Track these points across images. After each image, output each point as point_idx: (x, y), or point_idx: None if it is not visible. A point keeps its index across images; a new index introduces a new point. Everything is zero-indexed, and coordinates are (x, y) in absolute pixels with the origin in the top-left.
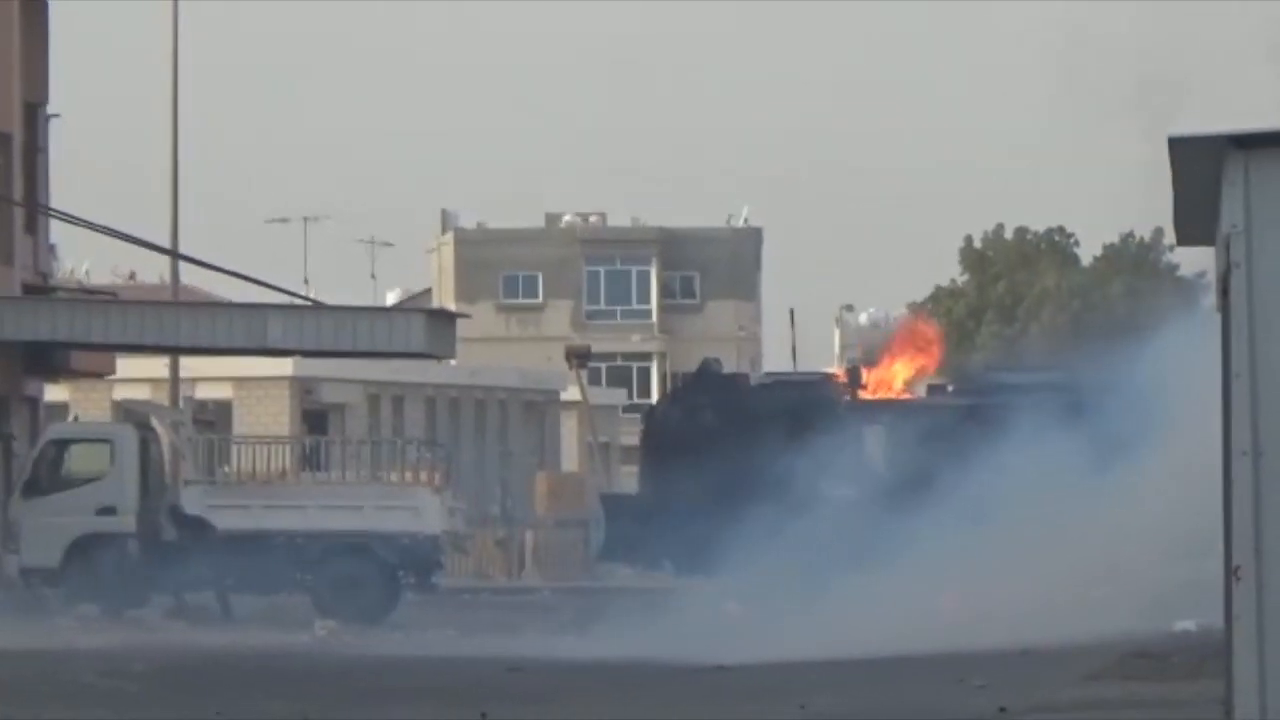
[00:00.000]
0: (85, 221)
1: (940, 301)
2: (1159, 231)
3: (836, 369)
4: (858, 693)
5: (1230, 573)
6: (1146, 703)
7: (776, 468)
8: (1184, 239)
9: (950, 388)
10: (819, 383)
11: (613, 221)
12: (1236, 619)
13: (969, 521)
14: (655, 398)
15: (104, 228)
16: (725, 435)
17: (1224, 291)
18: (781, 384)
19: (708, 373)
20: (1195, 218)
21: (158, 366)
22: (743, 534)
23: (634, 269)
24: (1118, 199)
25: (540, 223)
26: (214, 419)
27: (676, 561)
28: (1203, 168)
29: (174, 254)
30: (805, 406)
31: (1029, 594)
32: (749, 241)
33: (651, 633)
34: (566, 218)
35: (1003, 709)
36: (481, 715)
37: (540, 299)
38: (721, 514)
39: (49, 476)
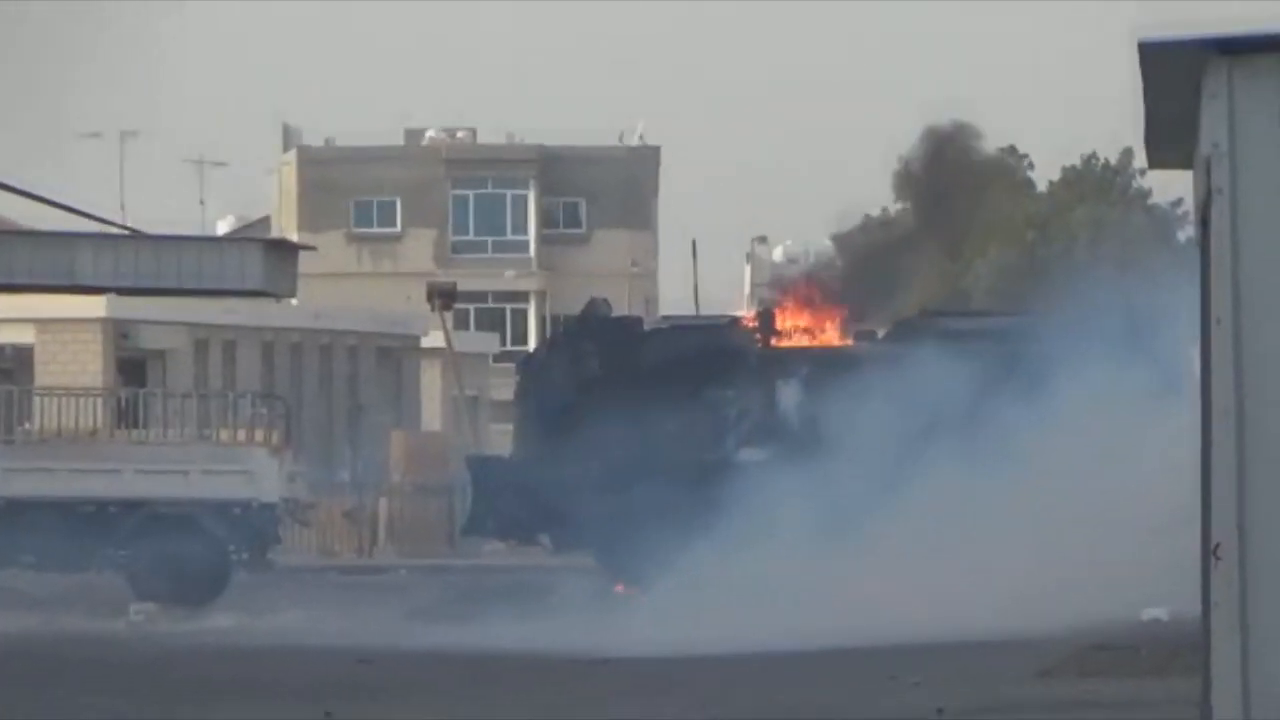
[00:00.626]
0: None
1: (870, 233)
2: (1128, 153)
3: (746, 312)
4: (768, 691)
5: (1208, 552)
6: (1107, 702)
7: (674, 427)
8: (1157, 161)
9: (881, 334)
10: (725, 328)
11: (484, 138)
12: (1215, 606)
13: (901, 493)
14: (533, 344)
15: None
16: (614, 389)
17: (1203, 222)
18: (681, 329)
19: (595, 315)
20: (1170, 137)
21: None
22: (634, 505)
23: (508, 194)
24: (1077, 113)
25: (399, 140)
26: (12, 367)
27: (555, 536)
28: (1179, 78)
29: None
30: (709, 356)
31: (971, 577)
32: (644, 162)
33: (525, 619)
34: (430, 134)
35: (940, 710)
36: (325, 715)
37: (398, 228)
38: (608, 481)
39: None
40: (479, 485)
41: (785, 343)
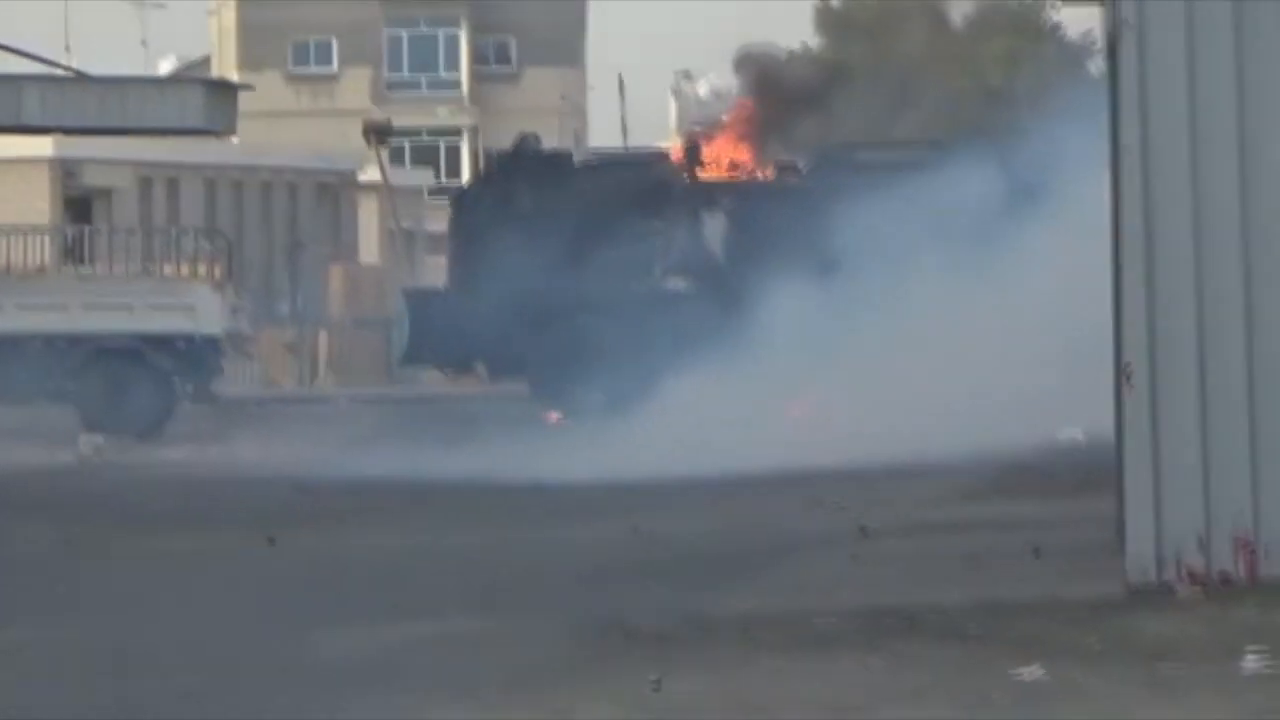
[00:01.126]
0: None
1: (792, 69)
2: None
3: (673, 145)
4: (696, 513)
5: (1120, 373)
6: (1026, 522)
7: (603, 258)
8: None
9: (802, 167)
10: (652, 161)
11: None
12: (1128, 426)
13: (821, 323)
14: (466, 178)
15: None
16: (545, 221)
17: (1111, 55)
18: (609, 163)
19: (525, 150)
20: None
21: None
22: (565, 334)
23: (440, 32)
24: None
25: None
26: None
27: (491, 364)
28: None
29: None
30: (636, 188)
31: (891, 403)
32: (572, 0)
33: (461, 446)
34: None
35: (864, 530)
36: (268, 540)
37: (334, 67)
38: (541, 311)
39: None
40: (415, 317)
41: (710, 176)
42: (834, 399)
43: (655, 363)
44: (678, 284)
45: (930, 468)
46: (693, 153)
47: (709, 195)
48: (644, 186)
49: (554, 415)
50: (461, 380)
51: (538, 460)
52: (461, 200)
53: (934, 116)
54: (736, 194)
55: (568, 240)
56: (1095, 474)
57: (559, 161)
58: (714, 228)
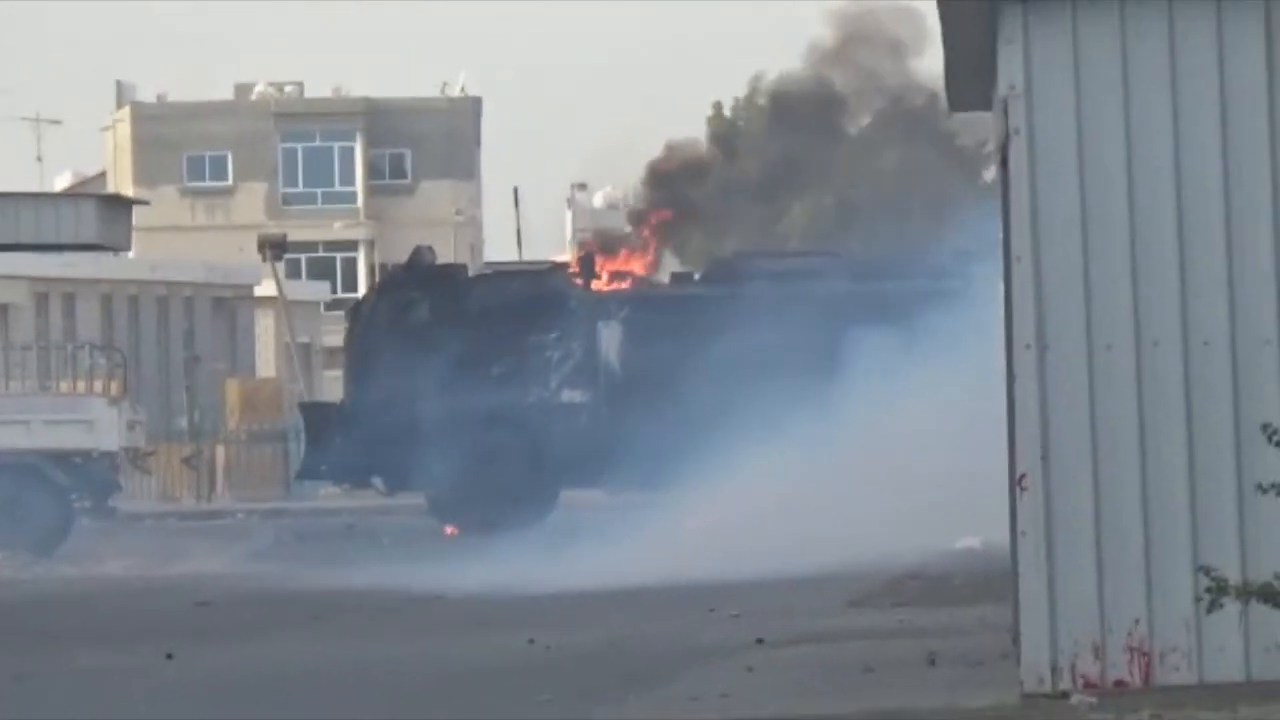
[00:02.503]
0: None
1: (685, 179)
2: (933, 96)
3: (569, 256)
4: (594, 624)
5: (1014, 482)
6: (921, 630)
7: (499, 370)
8: (958, 103)
9: (697, 276)
10: (547, 273)
11: (311, 92)
12: (1022, 534)
13: (717, 432)
14: (362, 292)
15: None
16: (441, 334)
17: (1003, 162)
18: (504, 274)
19: (420, 263)
20: (970, 78)
21: None
22: (461, 446)
23: (336, 145)
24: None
25: (229, 95)
26: None
27: (388, 478)
28: (977, 22)
29: None
30: (531, 300)
31: (787, 513)
32: (466, 113)
33: (361, 558)
34: (259, 88)
35: (760, 640)
36: (167, 656)
37: (230, 181)
38: (437, 423)
39: None
40: (312, 430)
41: (605, 286)
42: (732, 508)
43: (552, 475)
44: (574, 395)
45: (827, 576)
46: (588, 263)
47: (605, 306)
48: (539, 298)
49: (450, 529)
50: (359, 494)
51: (436, 573)
52: (358, 313)
53: (829, 224)
54: (632, 304)
55: (464, 353)
56: (992, 582)
57: (454, 274)
58: (610, 338)
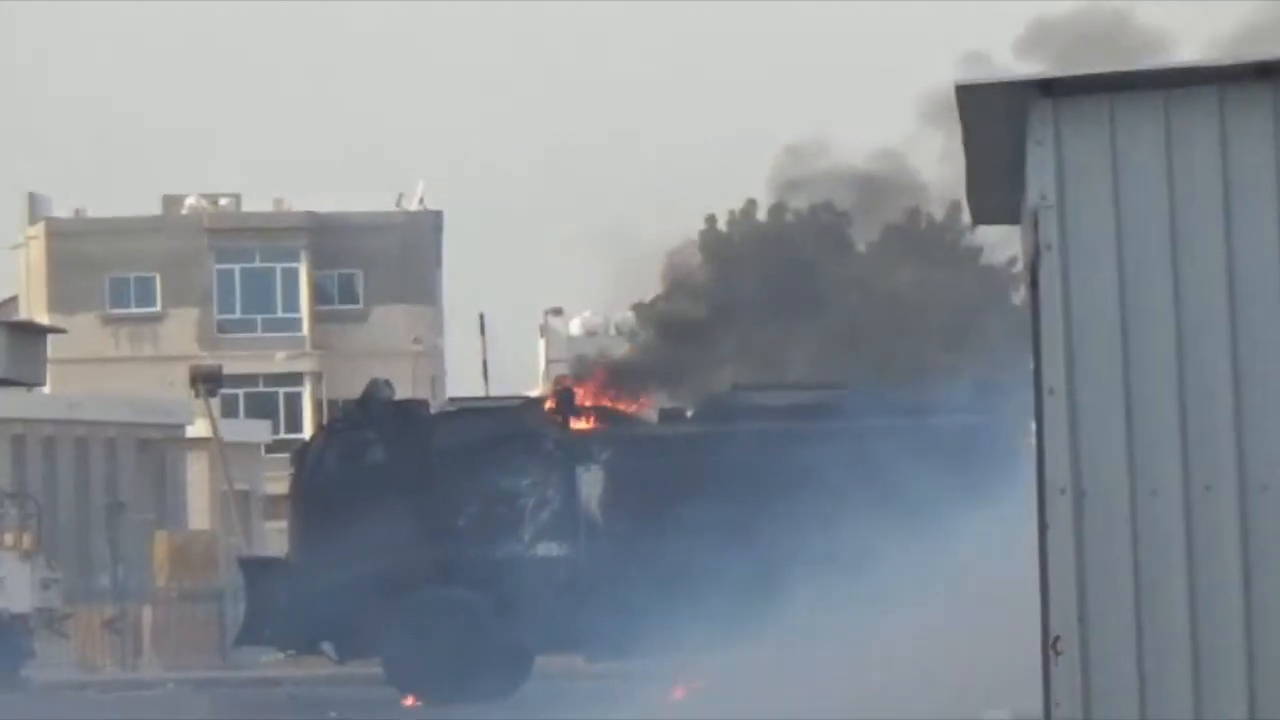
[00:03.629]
0: None
1: (675, 301)
2: (954, 207)
3: (542, 392)
4: None
5: (1048, 646)
6: None
7: (465, 520)
8: (982, 216)
9: (689, 413)
10: (520, 409)
11: (249, 205)
12: (1056, 705)
13: (712, 590)
14: (309, 432)
15: None
16: (398, 480)
17: (1033, 282)
18: (471, 411)
19: (375, 398)
20: (996, 188)
21: None
22: (423, 608)
23: (278, 267)
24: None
25: (156, 209)
26: None
27: (339, 643)
28: (1002, 123)
29: None
30: (502, 440)
31: (791, 679)
32: (425, 229)
33: None
34: (190, 201)
35: None
36: None
37: (158, 307)
38: (394, 582)
39: None
40: (253, 590)
41: (586, 425)
42: (726, 676)
43: (526, 639)
44: (551, 548)
45: None
46: (566, 399)
47: (585, 447)
48: (511, 438)
49: (410, 699)
50: (306, 661)
51: None
52: (305, 456)
53: (836, 353)
54: (616, 445)
55: (425, 500)
56: None
57: (414, 411)
58: (591, 484)
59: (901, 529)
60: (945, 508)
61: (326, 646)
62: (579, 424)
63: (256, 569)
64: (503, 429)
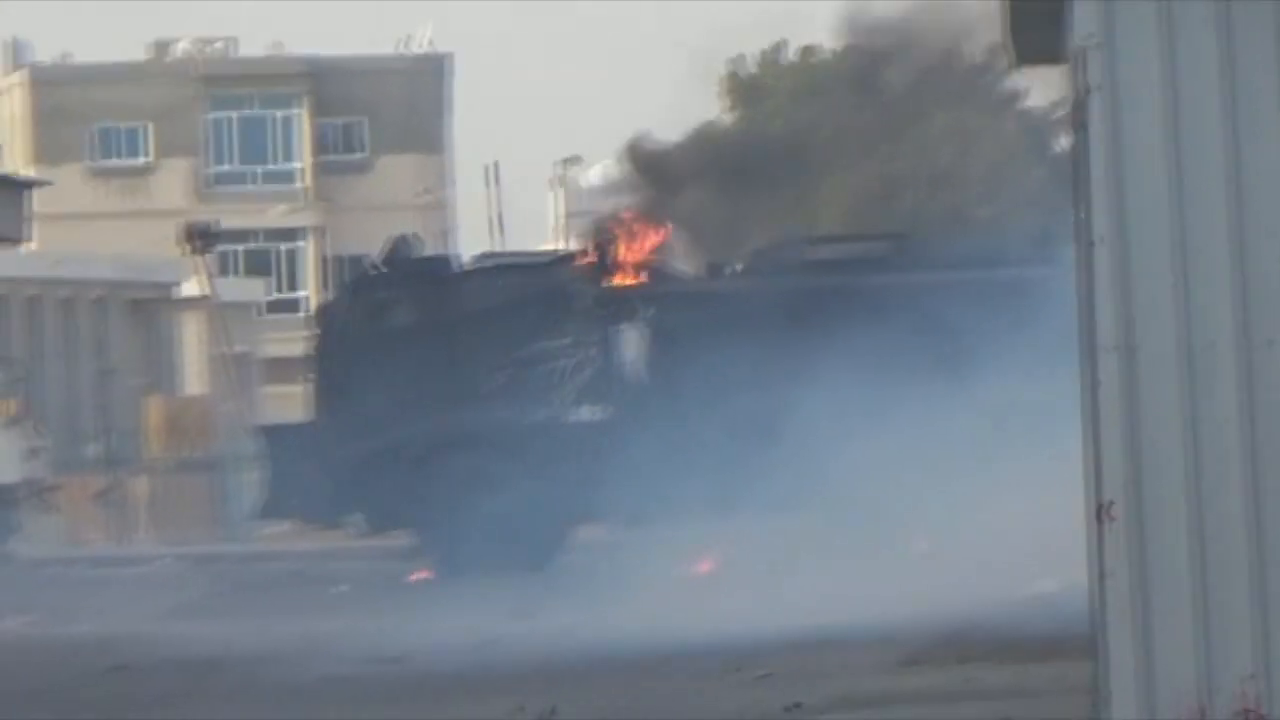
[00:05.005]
0: None
1: (699, 148)
2: (993, 50)
3: (578, 246)
4: (594, 689)
5: (1098, 512)
6: (989, 692)
7: (500, 383)
8: (1023, 56)
9: (740, 267)
10: (555, 264)
11: (245, 50)
12: (1108, 575)
13: (760, 454)
14: (313, 290)
15: None
16: (427, 341)
17: (1079, 126)
18: (504, 268)
19: (403, 255)
20: (1039, 26)
21: None
22: (453, 476)
23: (276, 115)
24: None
25: (146, 54)
26: None
27: (369, 515)
28: None
29: None
30: (537, 298)
31: (830, 552)
32: (432, 75)
33: (309, 613)
34: (181, 46)
35: (796, 705)
36: None
37: (148, 159)
38: (424, 450)
39: None
40: (277, 459)
41: (627, 281)
42: (768, 546)
43: (560, 506)
44: (590, 412)
45: (874, 629)
46: (605, 253)
47: (626, 304)
48: (547, 296)
49: (421, 573)
50: (312, 535)
51: (404, 628)
52: (327, 317)
53: (866, 206)
54: (660, 302)
55: (456, 362)
56: (1070, 634)
57: (443, 268)
58: (632, 344)
59: (964, 390)
60: (1010, 365)
61: (355, 518)
62: (619, 279)
63: (281, 437)
64: (538, 286)
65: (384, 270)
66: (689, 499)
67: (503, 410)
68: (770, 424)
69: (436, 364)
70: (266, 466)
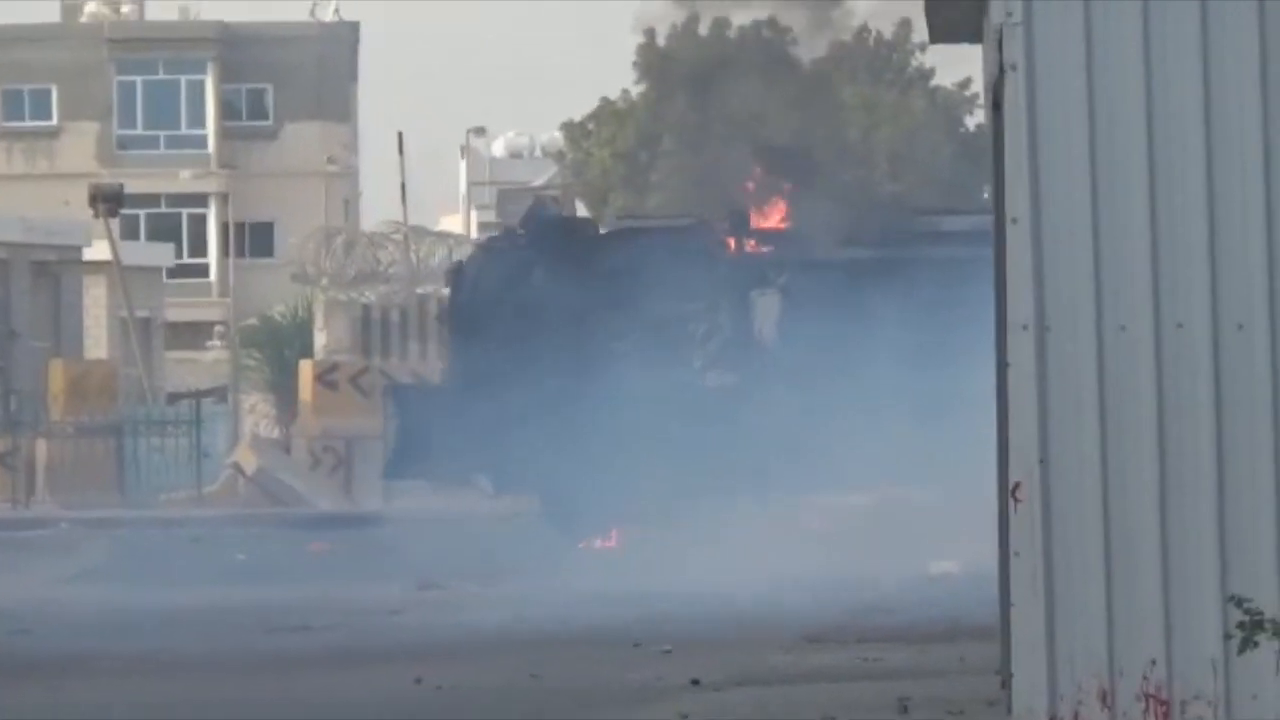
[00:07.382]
0: None
1: (604, 124)
2: (904, 25)
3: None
4: (494, 661)
5: (1005, 493)
6: (891, 671)
7: (636, 346)
8: (940, 32)
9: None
10: (691, 230)
11: (153, 14)
12: (1015, 556)
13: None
14: (212, 257)
15: None
16: (561, 304)
17: (995, 105)
18: (640, 231)
19: (542, 216)
20: (956, 2)
21: None
22: (583, 439)
23: (183, 79)
24: None
25: (54, 17)
26: None
27: (498, 477)
28: None
29: None
30: (673, 262)
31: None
32: (341, 42)
33: (211, 579)
34: (89, 8)
35: (695, 681)
36: None
37: (54, 121)
38: (555, 412)
39: None
40: (405, 419)
41: (761, 249)
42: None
43: (689, 472)
44: (722, 377)
45: (777, 606)
46: (740, 220)
47: (760, 271)
48: (683, 260)
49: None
50: (215, 499)
51: (301, 594)
52: (461, 277)
53: None
54: (794, 270)
55: (590, 325)
56: (974, 614)
57: (580, 229)
58: (766, 310)
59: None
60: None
61: (482, 479)
62: (751, 246)
63: (409, 396)
64: (675, 250)
65: (520, 230)
66: (816, 468)
67: (635, 373)
68: (898, 389)
69: (569, 325)
70: (396, 427)
